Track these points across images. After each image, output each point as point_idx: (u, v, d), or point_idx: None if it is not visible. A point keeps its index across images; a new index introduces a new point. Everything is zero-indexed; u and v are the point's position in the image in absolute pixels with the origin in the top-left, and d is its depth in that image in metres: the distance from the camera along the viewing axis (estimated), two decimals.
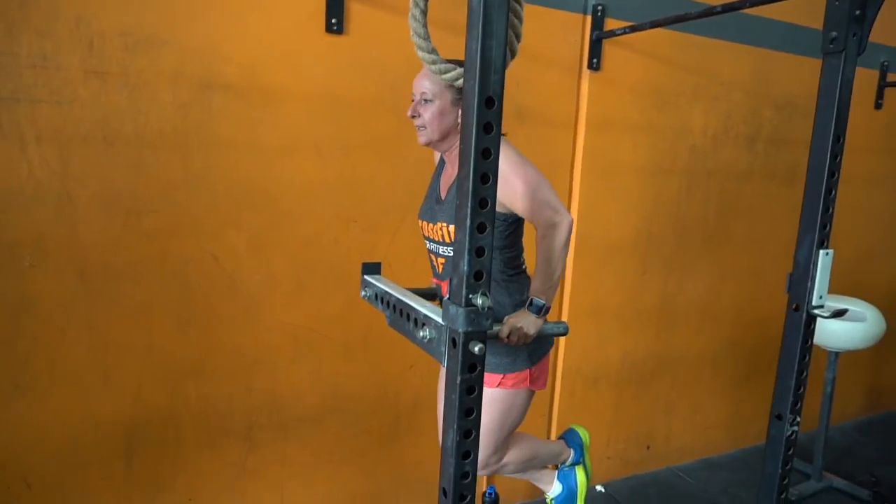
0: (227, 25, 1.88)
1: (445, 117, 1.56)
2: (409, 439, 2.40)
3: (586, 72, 2.48)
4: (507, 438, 1.78)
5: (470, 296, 1.17)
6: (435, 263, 1.69)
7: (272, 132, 1.99)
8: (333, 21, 2.00)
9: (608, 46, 2.48)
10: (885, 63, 3.29)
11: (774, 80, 2.97)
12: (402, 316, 1.45)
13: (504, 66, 1.14)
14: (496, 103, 1.13)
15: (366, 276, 1.71)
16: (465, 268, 1.16)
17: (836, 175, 1.64)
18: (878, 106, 3.34)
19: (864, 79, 3.28)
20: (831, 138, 1.62)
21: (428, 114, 1.56)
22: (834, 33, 1.59)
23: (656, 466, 3.06)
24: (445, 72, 1.32)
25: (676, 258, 2.88)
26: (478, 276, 1.17)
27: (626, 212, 2.66)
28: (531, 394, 1.72)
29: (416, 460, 2.43)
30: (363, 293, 1.67)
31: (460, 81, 1.34)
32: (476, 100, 1.11)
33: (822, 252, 1.66)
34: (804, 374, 1.73)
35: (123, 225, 1.85)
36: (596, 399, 2.78)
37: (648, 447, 3.03)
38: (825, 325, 2.75)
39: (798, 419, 1.76)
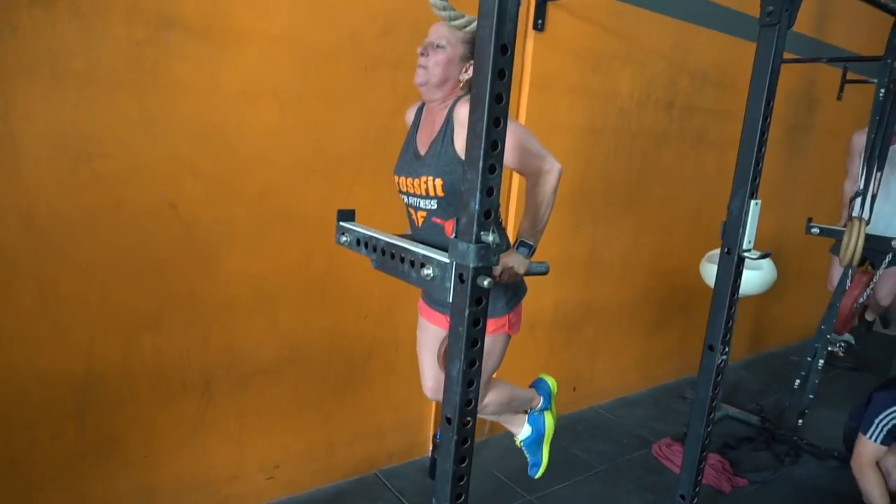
0: None
1: (450, 67, 1.59)
2: (363, 387, 2.46)
3: (531, 32, 2.58)
4: (488, 381, 1.89)
5: (481, 233, 1.24)
6: (415, 217, 1.73)
7: (231, 76, 1.92)
8: None
9: (552, 9, 2.59)
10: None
11: (691, 51, 3.23)
12: (393, 258, 1.50)
13: (517, 15, 1.20)
14: (509, 50, 1.19)
15: (342, 223, 1.73)
16: (476, 206, 1.23)
17: (766, 135, 1.85)
18: None
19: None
20: (764, 102, 1.81)
21: (436, 58, 1.58)
22: (770, 7, 1.77)
23: (581, 406, 3.33)
24: (456, 18, 1.35)
25: (604, 214, 3.10)
26: (487, 214, 1.24)
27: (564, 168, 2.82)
28: (509, 338, 1.83)
29: (369, 406, 2.50)
30: (343, 239, 1.69)
31: (471, 26, 1.36)
32: (492, 46, 1.17)
33: (752, 202, 1.87)
34: (733, 309, 1.97)
35: (73, 169, 1.73)
36: (532, 345, 2.97)
37: (575, 389, 3.28)
38: None
39: (727, 350, 2.00)
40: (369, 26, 2.16)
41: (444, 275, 1.33)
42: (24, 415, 1.79)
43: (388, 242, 1.52)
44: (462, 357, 1.30)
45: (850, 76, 4.00)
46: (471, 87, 1.67)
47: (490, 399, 1.92)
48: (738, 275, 1.95)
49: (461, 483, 1.38)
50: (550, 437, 2.17)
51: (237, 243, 2.04)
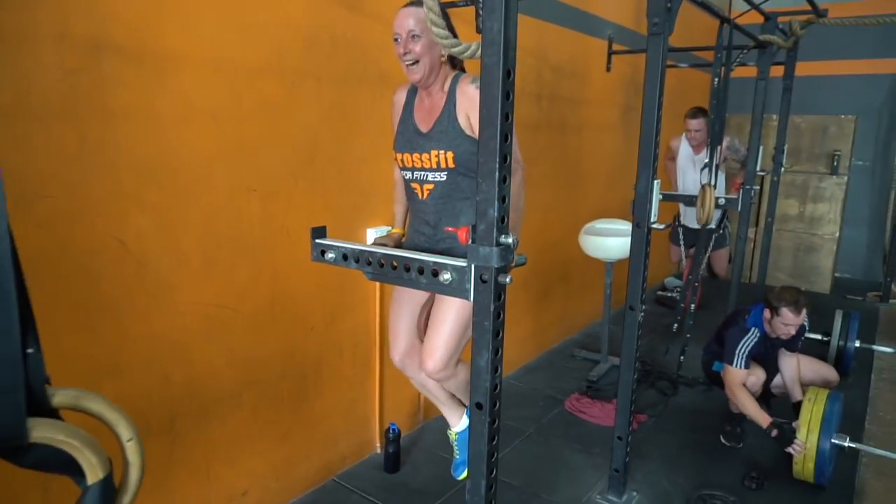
0: None
1: (433, 49, 1.71)
2: (315, 398, 2.48)
3: None
4: (463, 350, 2.01)
5: (501, 237, 1.40)
6: (419, 192, 1.84)
7: (168, 100, 1.83)
8: None
9: None
10: (611, 35, 4.20)
11: (549, 47, 3.61)
12: (395, 269, 1.60)
13: (516, 43, 1.36)
14: (512, 74, 1.36)
15: (318, 241, 1.78)
16: (495, 214, 1.40)
17: (660, 124, 2.22)
18: (608, 69, 4.26)
19: (599, 48, 4.16)
20: (657, 98, 2.17)
21: (419, 47, 1.69)
22: (656, 19, 2.12)
23: None
24: (454, 46, 1.46)
25: None
26: (503, 219, 1.41)
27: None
28: None
29: (322, 415, 2.53)
30: (329, 256, 1.73)
31: (469, 52, 1.48)
32: (500, 72, 1.34)
33: (655, 182, 2.24)
34: (646, 273, 2.34)
35: (12, 215, 1.55)
36: None
37: None
38: (602, 242, 3.54)
39: (644, 308, 2.37)
40: (292, 42, 2.16)
41: (462, 278, 1.47)
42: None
43: (385, 254, 1.61)
44: (489, 347, 1.46)
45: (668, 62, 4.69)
46: (453, 61, 1.81)
47: (459, 371, 2.04)
48: (649, 244, 2.32)
49: (493, 460, 1.55)
50: None
51: (187, 273, 1.96)
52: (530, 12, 3.35)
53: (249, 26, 2.02)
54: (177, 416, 1.99)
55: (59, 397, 0.77)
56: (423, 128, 1.82)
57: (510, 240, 1.41)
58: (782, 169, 4.63)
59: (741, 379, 2.82)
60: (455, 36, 1.69)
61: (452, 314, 1.93)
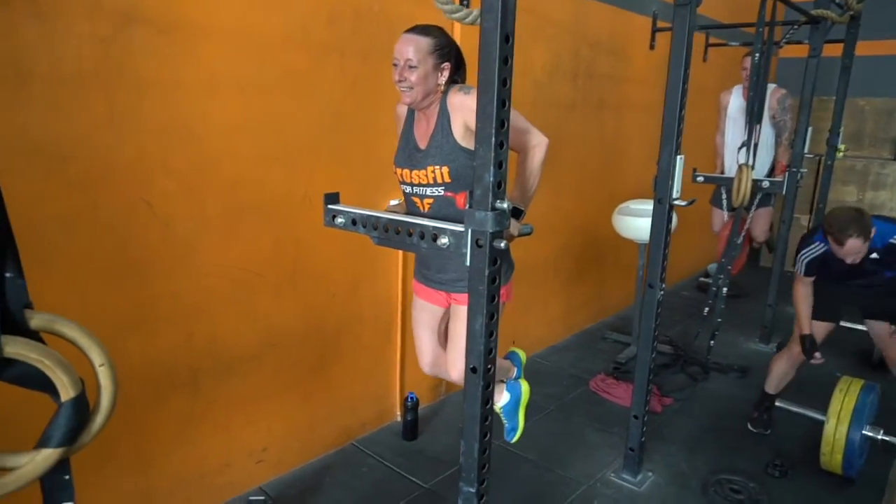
0: None
1: (428, 80, 1.75)
2: (335, 363, 2.56)
3: None
4: None
5: (496, 202, 1.42)
6: (420, 205, 1.87)
7: (195, 70, 1.92)
8: None
9: None
10: (656, 11, 4.08)
11: (588, 23, 3.54)
12: (398, 233, 1.63)
13: (516, 8, 1.37)
14: (511, 39, 1.36)
15: (331, 206, 1.83)
16: (490, 178, 1.41)
17: (685, 98, 2.17)
18: (652, 47, 4.15)
19: (642, 24, 4.05)
20: (682, 71, 2.12)
21: (414, 77, 1.73)
22: None
23: None
24: (454, 12, 1.47)
25: None
26: (499, 185, 1.42)
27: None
28: (503, 305, 2.03)
29: (341, 381, 2.61)
30: (338, 221, 1.79)
31: (470, 18, 1.51)
32: (498, 36, 1.34)
33: (678, 157, 2.19)
34: (667, 251, 2.30)
35: (46, 175, 1.68)
36: None
37: (514, 342, 3.56)
38: (636, 223, 3.48)
39: (664, 286, 2.33)
40: (316, 15, 2.21)
41: (459, 242, 1.49)
42: (11, 433, 1.73)
43: (390, 219, 1.65)
44: (484, 312, 1.49)
45: (711, 41, 4.55)
46: (451, 82, 1.83)
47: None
48: (670, 220, 2.28)
49: (486, 423, 1.58)
50: (526, 402, 2.32)
51: (211, 236, 2.06)
52: None
53: None
54: (199, 372, 2.11)
55: (35, 320, 0.85)
56: (422, 144, 1.85)
57: (505, 205, 1.42)
58: (840, 154, 4.40)
59: (799, 284, 2.69)
60: (468, 5, 1.71)
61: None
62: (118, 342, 1.90)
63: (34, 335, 0.86)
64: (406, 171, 1.86)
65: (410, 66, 1.73)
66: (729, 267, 3.50)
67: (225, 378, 2.19)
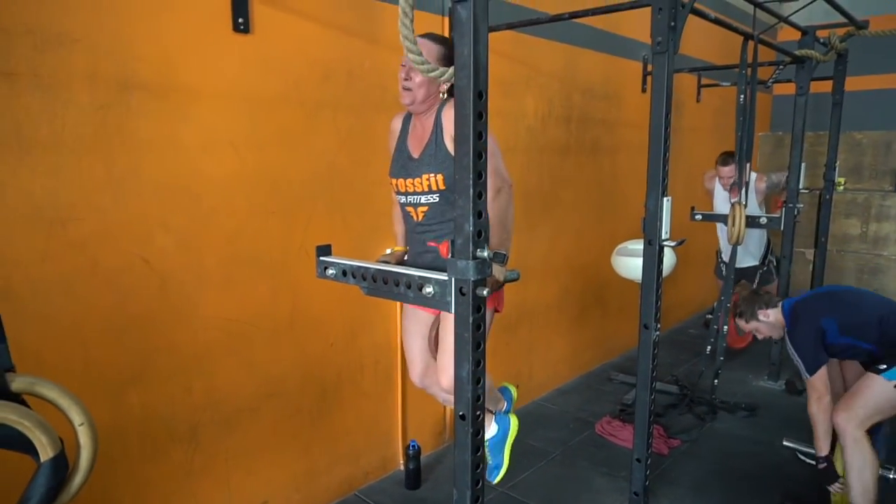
0: (137, 23, 1.85)
1: (430, 84, 1.85)
2: (335, 412, 2.57)
3: None
4: None
5: (477, 251, 1.46)
6: (414, 214, 1.95)
7: (190, 131, 2.00)
8: (240, 21, 2.06)
9: None
10: (646, 56, 4.19)
11: (579, 71, 3.65)
12: (386, 283, 1.67)
13: (488, 65, 1.43)
14: (484, 96, 1.42)
15: (322, 258, 1.88)
16: (470, 228, 1.45)
17: (669, 141, 2.22)
18: (644, 90, 4.24)
19: (633, 69, 4.16)
20: (664, 116, 2.18)
21: (418, 78, 1.82)
22: (659, 38, 2.14)
23: (525, 402, 3.60)
24: (430, 71, 1.55)
25: (524, 223, 3.41)
26: (479, 234, 1.46)
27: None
28: (493, 313, 2.05)
29: (343, 430, 2.61)
30: (329, 272, 1.83)
31: (444, 77, 1.58)
32: (471, 94, 1.40)
33: (665, 199, 2.23)
34: (659, 291, 2.31)
35: (47, 236, 1.74)
36: None
37: (518, 385, 3.54)
38: (634, 263, 3.48)
39: (658, 326, 2.34)
40: (310, 75, 2.31)
41: (444, 291, 1.52)
42: (15, 491, 1.75)
43: (378, 270, 1.69)
44: (470, 359, 1.51)
45: (704, 81, 4.65)
46: (450, 91, 1.90)
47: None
48: (661, 261, 2.30)
49: (478, 470, 1.58)
50: (513, 438, 2.30)
51: (209, 290, 2.11)
52: (557, 38, 3.41)
53: (268, 61, 2.17)
54: (198, 426, 2.12)
55: (16, 383, 0.88)
56: (415, 153, 1.92)
57: (485, 253, 1.46)
58: (840, 188, 4.42)
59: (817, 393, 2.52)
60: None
61: None
62: (118, 396, 1.93)
63: (15, 397, 0.89)
64: (401, 180, 1.93)
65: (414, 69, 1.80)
66: (729, 305, 3.49)
67: (224, 430, 2.20)
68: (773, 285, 4.20)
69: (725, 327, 3.46)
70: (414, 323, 2.15)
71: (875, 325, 2.37)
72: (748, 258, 4.19)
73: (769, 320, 2.63)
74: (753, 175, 4.07)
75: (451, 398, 2.26)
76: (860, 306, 2.48)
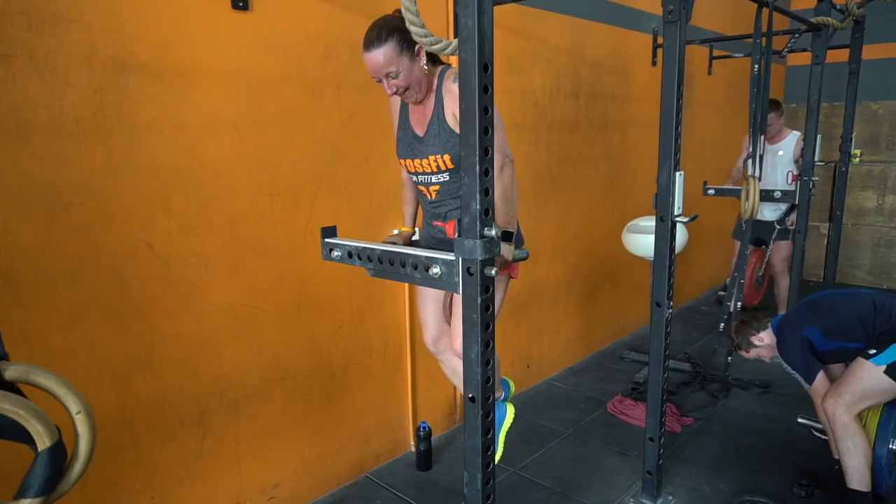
0: (133, 2, 1.80)
1: (415, 74, 1.77)
2: (344, 395, 2.56)
3: None
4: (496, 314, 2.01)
5: (484, 229, 1.41)
6: (427, 193, 1.94)
7: (191, 112, 1.96)
8: None
9: None
10: (656, 28, 4.09)
11: (587, 44, 3.56)
12: (392, 264, 1.64)
13: (493, 37, 1.38)
14: (490, 68, 1.37)
15: (327, 240, 1.85)
16: (477, 206, 1.41)
17: (681, 114, 2.15)
18: (654, 63, 4.15)
19: (643, 42, 4.06)
20: (676, 87, 2.11)
21: (402, 80, 1.74)
22: (671, 6, 2.07)
23: (536, 381, 3.58)
24: (434, 44, 1.49)
25: (533, 201, 3.36)
26: (486, 212, 1.42)
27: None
28: (509, 279, 2.04)
29: (352, 413, 2.60)
30: (335, 254, 1.80)
31: (448, 50, 1.52)
32: (476, 66, 1.35)
33: (677, 173, 2.17)
34: (672, 268, 2.27)
35: (49, 222, 1.72)
36: None
37: (528, 366, 3.53)
38: (645, 240, 3.43)
39: (671, 304, 2.29)
40: (311, 51, 2.26)
41: (451, 271, 1.49)
42: (15, 474, 1.75)
43: (384, 251, 1.66)
44: (479, 340, 1.47)
45: (715, 53, 4.53)
46: (436, 60, 1.84)
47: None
48: (673, 237, 2.25)
49: (489, 453, 1.55)
50: (508, 426, 2.25)
51: (214, 274, 2.08)
52: (563, 10, 3.32)
53: (269, 38, 2.12)
54: (206, 410, 2.11)
55: (10, 372, 0.86)
56: (420, 132, 1.88)
57: (493, 232, 1.42)
58: (856, 160, 4.33)
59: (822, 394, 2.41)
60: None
61: None
62: (126, 382, 1.92)
63: (10, 386, 0.87)
64: (409, 161, 1.92)
65: (392, 77, 1.75)
66: (742, 281, 3.43)
67: (233, 414, 2.19)
68: (787, 242, 4.09)
69: (739, 303, 3.41)
70: (428, 288, 2.12)
71: (857, 325, 2.37)
72: (770, 211, 4.09)
73: (764, 343, 2.63)
74: (797, 134, 4.06)
75: (460, 368, 2.25)
76: (837, 310, 2.47)
